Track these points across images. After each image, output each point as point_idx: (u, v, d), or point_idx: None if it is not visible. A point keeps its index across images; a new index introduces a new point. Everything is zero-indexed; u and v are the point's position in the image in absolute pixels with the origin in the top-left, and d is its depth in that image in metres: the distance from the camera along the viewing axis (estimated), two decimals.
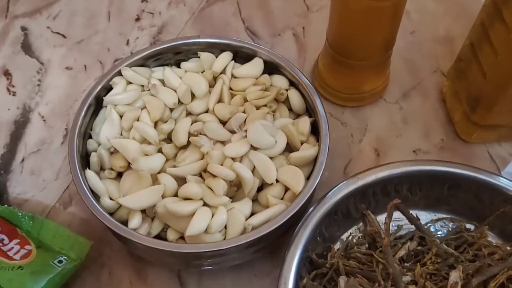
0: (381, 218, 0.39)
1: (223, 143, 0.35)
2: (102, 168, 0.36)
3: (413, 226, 0.36)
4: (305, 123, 0.36)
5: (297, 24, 0.50)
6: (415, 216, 0.36)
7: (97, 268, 0.37)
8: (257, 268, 0.37)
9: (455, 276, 0.32)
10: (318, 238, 0.35)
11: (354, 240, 0.37)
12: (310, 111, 0.38)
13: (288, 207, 0.32)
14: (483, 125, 0.40)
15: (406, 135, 0.43)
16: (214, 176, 0.33)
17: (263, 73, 0.39)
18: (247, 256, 0.35)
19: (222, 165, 0.34)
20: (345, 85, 0.44)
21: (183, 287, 0.37)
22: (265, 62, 0.39)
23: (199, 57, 0.39)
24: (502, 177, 0.35)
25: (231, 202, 0.33)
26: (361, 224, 0.38)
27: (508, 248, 0.35)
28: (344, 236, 0.38)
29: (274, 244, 0.35)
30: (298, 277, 0.32)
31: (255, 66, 0.39)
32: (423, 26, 0.50)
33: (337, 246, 0.37)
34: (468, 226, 0.38)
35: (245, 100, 0.37)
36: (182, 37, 0.41)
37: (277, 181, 0.34)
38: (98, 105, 0.38)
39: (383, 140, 0.43)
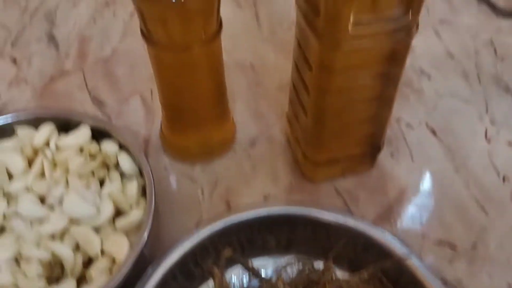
0: (233, 271, 0.38)
1: (42, 221, 0.33)
2: None
3: None
4: (132, 186, 0.35)
5: (145, 88, 0.50)
6: (252, 264, 0.35)
7: None
8: None
9: None
10: None
11: None
12: None
13: (109, 280, 0.30)
14: (322, 163, 0.41)
15: (256, 182, 0.43)
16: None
17: (93, 140, 0.38)
18: None
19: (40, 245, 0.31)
20: (188, 143, 0.43)
21: None
22: (93, 128, 0.38)
23: None
24: (334, 212, 0.36)
25: (55, 284, 0.31)
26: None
27: (355, 279, 0.35)
28: None
29: None
30: None
31: (81, 134, 0.38)
32: (267, 76, 0.52)
33: None
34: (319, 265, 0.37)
35: (69, 171, 0.36)
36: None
37: (104, 253, 0.32)
38: None
39: (234, 190, 0.43)
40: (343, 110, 0.37)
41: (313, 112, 0.38)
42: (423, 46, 0.54)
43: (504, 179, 0.43)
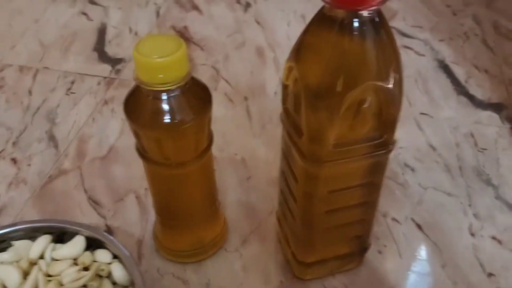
0: None
1: None
2: None
3: None
4: None
5: (140, 186, 0.52)
6: None
7: None
8: None
9: None
10: None
11: None
12: None
13: None
14: (310, 263, 0.42)
15: (247, 283, 0.44)
16: None
17: (88, 249, 0.39)
18: None
19: None
20: (181, 245, 0.45)
21: None
22: (89, 238, 0.40)
23: None
24: None
25: None
26: None
27: None
28: None
29: None
30: None
31: (76, 245, 0.39)
32: (258, 170, 0.54)
33: None
34: None
35: (62, 284, 0.36)
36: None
37: None
38: None
39: None
40: (329, 215, 0.39)
41: (300, 216, 0.39)
42: (405, 138, 0.57)
43: (489, 275, 0.44)
